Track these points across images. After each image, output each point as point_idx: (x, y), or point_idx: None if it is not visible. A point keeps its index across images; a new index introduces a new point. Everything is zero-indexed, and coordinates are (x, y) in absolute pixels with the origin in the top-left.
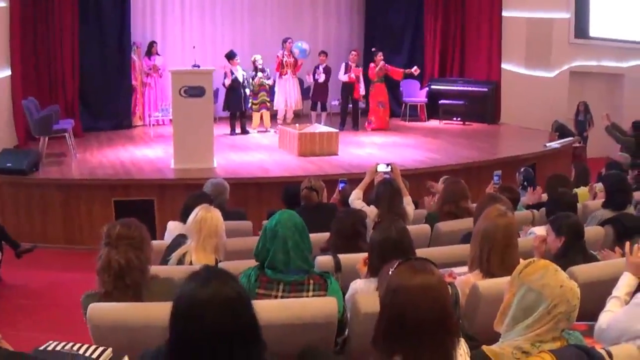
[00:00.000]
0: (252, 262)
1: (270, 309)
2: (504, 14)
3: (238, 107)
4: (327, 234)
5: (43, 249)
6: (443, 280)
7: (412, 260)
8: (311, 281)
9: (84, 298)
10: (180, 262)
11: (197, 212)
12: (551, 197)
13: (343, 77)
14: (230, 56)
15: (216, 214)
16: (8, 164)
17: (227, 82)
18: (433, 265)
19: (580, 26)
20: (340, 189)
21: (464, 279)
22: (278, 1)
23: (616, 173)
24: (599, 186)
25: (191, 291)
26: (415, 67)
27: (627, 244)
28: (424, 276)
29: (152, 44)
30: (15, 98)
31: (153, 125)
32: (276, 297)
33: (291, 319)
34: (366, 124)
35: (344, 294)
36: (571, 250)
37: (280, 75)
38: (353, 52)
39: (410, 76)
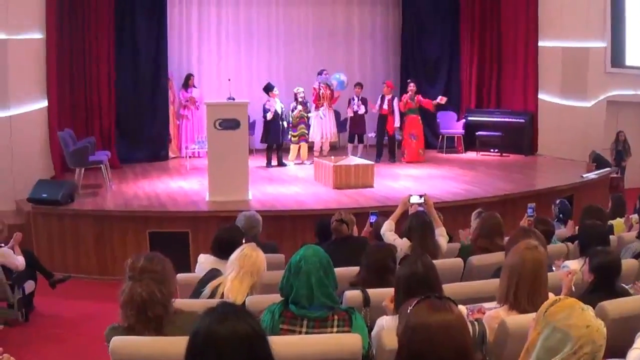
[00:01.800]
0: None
1: (293, 345)
2: (540, 43)
3: (276, 139)
4: (356, 268)
5: (77, 280)
6: (463, 318)
7: (432, 298)
8: (335, 317)
9: (108, 331)
10: (213, 293)
11: (244, 248)
12: (580, 230)
13: (375, 108)
14: (269, 89)
15: (261, 255)
16: (43, 195)
17: (270, 116)
18: (453, 303)
19: (617, 55)
20: (371, 221)
21: (492, 314)
22: (313, 32)
23: None
24: (635, 217)
25: (207, 327)
26: (440, 97)
27: None
28: (443, 314)
29: (189, 76)
30: (51, 129)
31: (189, 157)
32: (300, 332)
33: (315, 355)
34: (402, 156)
35: (371, 330)
36: (600, 289)
37: (317, 107)
38: (384, 84)
39: (440, 106)
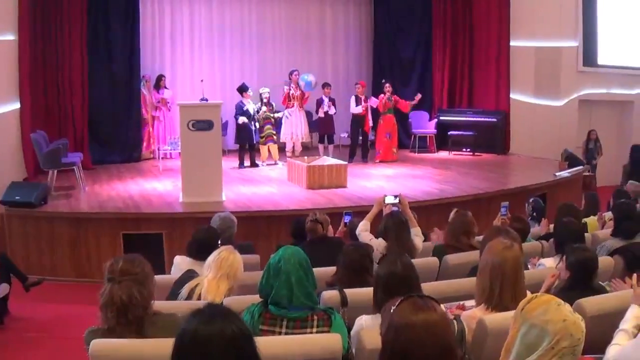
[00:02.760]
0: (259, 297)
1: (274, 346)
2: (512, 43)
3: (249, 139)
4: (333, 268)
5: (51, 282)
6: (446, 317)
7: (415, 297)
8: (315, 317)
9: (87, 333)
10: (190, 294)
11: (221, 251)
12: (556, 227)
13: (355, 109)
14: (243, 89)
15: (238, 257)
16: (17, 197)
17: (243, 119)
18: (435, 302)
19: (589, 54)
20: (345, 221)
21: (470, 314)
22: (286, 34)
23: (626, 202)
24: (608, 215)
25: (195, 328)
26: (417, 95)
27: (634, 276)
28: (426, 314)
29: (160, 77)
30: (24, 131)
31: (162, 158)
32: (279, 333)
33: (295, 356)
34: (375, 156)
35: (350, 330)
36: (577, 286)
37: (287, 107)
38: (358, 85)
39: (415, 107)
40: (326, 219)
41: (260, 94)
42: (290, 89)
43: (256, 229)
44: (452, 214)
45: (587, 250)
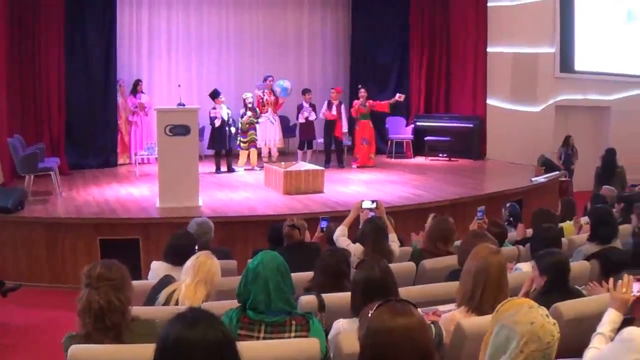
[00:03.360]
0: (237, 302)
1: (252, 350)
2: (489, 49)
3: (222, 145)
4: (310, 273)
5: (28, 288)
6: (424, 321)
7: (393, 301)
8: (293, 322)
9: (65, 339)
10: (168, 300)
11: (199, 256)
12: (535, 233)
13: (322, 114)
14: (215, 95)
15: (216, 262)
16: None
17: (218, 122)
18: (413, 306)
19: (566, 60)
20: (322, 226)
21: (449, 317)
22: (264, 40)
23: (602, 207)
24: (585, 220)
25: (178, 332)
26: (398, 94)
27: (611, 280)
28: (405, 318)
29: (137, 82)
30: (0, 135)
31: (139, 163)
32: (258, 338)
33: None
34: (352, 161)
35: (327, 334)
36: (554, 289)
37: (261, 113)
38: (332, 90)
39: (396, 106)
40: (303, 224)
41: (244, 99)
42: (264, 94)
43: (233, 234)
44: (429, 220)
45: (557, 253)
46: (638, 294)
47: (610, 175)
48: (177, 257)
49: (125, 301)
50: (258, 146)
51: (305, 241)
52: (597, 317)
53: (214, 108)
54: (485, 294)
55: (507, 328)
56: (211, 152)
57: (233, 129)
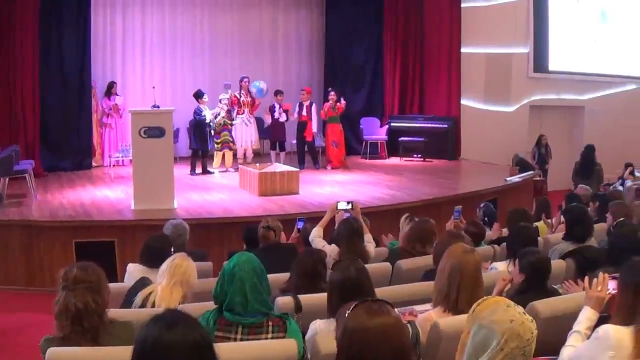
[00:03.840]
0: (213, 304)
1: (230, 352)
2: (463, 50)
3: (203, 146)
4: (286, 275)
5: (3, 291)
6: (400, 321)
7: (369, 301)
8: (270, 323)
9: (43, 342)
10: (144, 302)
11: (174, 258)
12: (511, 232)
13: (294, 117)
14: (199, 95)
15: (192, 264)
16: None
17: (209, 117)
18: (390, 306)
19: (540, 60)
20: (298, 227)
21: (425, 316)
22: (238, 41)
23: (577, 206)
24: (559, 219)
25: (156, 334)
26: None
27: (586, 278)
28: (381, 318)
29: (112, 84)
30: None
31: (113, 165)
32: (235, 339)
33: None
34: (327, 162)
35: (304, 335)
36: (531, 288)
37: (238, 114)
38: (303, 91)
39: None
40: (278, 225)
41: (220, 100)
42: (240, 95)
43: (208, 236)
44: (402, 220)
45: (540, 253)
46: (613, 291)
47: (589, 171)
48: (153, 259)
49: (102, 303)
50: (234, 147)
51: (281, 242)
52: (573, 316)
53: (198, 107)
54: (460, 293)
55: (486, 328)
56: (186, 153)
57: (213, 131)
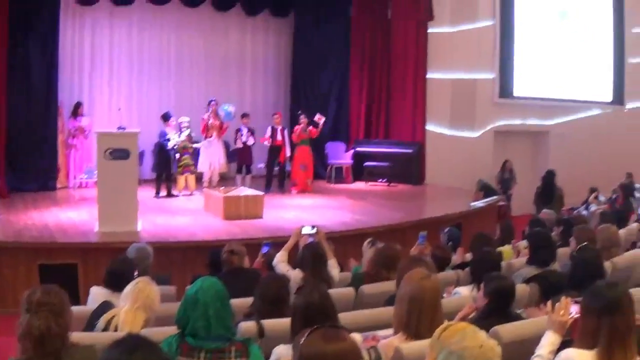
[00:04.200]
0: (176, 329)
1: None
2: (429, 75)
3: (164, 168)
4: (249, 299)
5: None
6: (356, 346)
7: (325, 327)
8: (233, 348)
9: None
10: (107, 326)
11: (137, 282)
12: (474, 257)
13: (268, 141)
14: (166, 118)
15: (155, 289)
16: None
17: (172, 143)
18: (346, 331)
19: (505, 86)
20: (263, 252)
21: (387, 343)
22: (205, 63)
23: (540, 230)
24: (523, 243)
25: (117, 359)
26: (317, 115)
27: (549, 303)
28: (336, 344)
29: (78, 104)
30: None
31: (78, 187)
32: None
33: None
34: (291, 186)
35: None
36: (494, 313)
37: (206, 137)
38: (276, 115)
39: (331, 138)
40: (242, 250)
41: (180, 123)
42: (209, 118)
43: (172, 259)
44: (364, 245)
45: (505, 279)
46: (576, 315)
47: (550, 195)
48: (117, 282)
49: (65, 327)
50: (199, 170)
51: (245, 267)
52: (536, 340)
53: (165, 130)
54: (421, 319)
55: (456, 353)
56: (151, 176)
57: (178, 155)
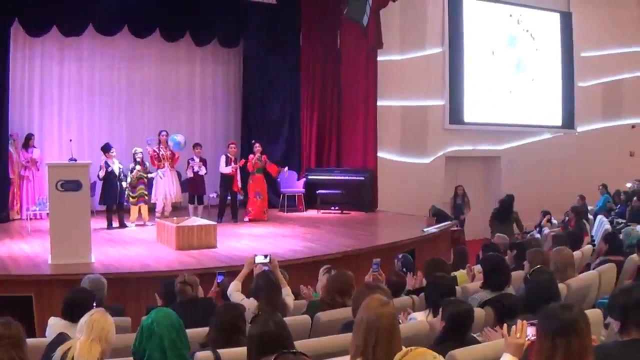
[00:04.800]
0: None
1: None
2: (379, 102)
3: (114, 200)
4: (205, 329)
5: None
6: None
7: (287, 354)
8: None
9: None
10: (63, 358)
11: (92, 313)
12: (428, 282)
13: (225, 169)
14: (106, 149)
15: (110, 319)
16: None
17: (102, 174)
18: (307, 358)
19: (455, 112)
20: (218, 281)
21: None
22: (155, 94)
23: (494, 255)
24: (477, 268)
25: None
26: (286, 168)
27: (505, 325)
28: None
29: (29, 135)
30: None
31: (31, 219)
32: None
33: None
34: (245, 215)
35: None
36: (450, 337)
37: (158, 168)
38: (232, 145)
39: (283, 165)
40: (195, 280)
41: (134, 154)
42: (160, 149)
43: (126, 290)
44: (320, 273)
45: (464, 303)
46: (532, 338)
47: (505, 218)
48: (74, 313)
49: (24, 358)
50: (153, 201)
51: (199, 297)
52: None
53: (105, 162)
54: (378, 346)
55: None
56: (103, 207)
57: (125, 184)
